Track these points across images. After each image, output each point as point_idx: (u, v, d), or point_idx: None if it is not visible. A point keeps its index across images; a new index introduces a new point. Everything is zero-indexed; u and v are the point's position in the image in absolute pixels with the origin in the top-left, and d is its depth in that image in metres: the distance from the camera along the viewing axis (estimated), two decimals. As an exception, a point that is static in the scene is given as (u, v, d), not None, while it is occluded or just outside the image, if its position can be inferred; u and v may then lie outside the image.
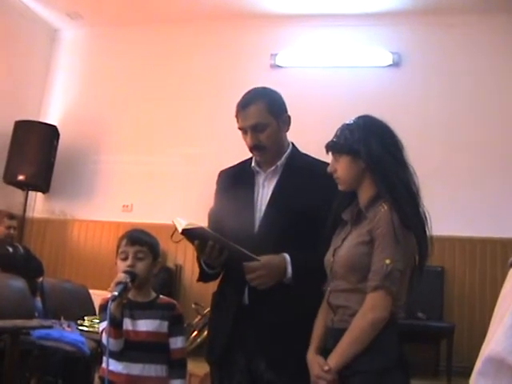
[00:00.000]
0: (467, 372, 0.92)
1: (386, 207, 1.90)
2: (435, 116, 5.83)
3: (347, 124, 2.07)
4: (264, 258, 2.05)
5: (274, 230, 2.14)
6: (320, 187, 2.17)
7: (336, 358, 1.85)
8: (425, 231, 1.94)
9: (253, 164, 2.31)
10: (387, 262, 1.84)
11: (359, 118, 2.07)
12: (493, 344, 0.87)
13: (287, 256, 2.07)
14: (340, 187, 2.06)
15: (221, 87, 6.60)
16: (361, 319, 1.84)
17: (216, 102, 6.55)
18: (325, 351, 1.95)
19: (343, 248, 1.97)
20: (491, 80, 5.98)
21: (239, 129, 2.26)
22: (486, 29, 6.05)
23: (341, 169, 2.03)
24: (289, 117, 2.31)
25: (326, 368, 1.85)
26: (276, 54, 6.58)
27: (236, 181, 2.33)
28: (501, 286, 0.98)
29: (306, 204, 2.14)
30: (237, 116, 2.27)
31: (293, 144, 2.35)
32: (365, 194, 2.00)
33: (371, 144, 1.98)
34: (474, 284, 5.59)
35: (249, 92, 2.29)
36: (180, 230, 2.01)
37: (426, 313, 5.03)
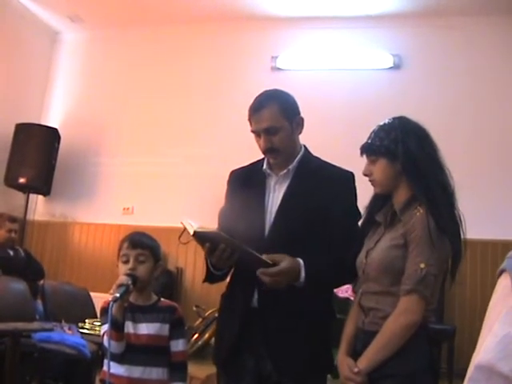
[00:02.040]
0: (469, 374, 0.92)
1: (421, 211, 1.89)
2: (436, 117, 5.83)
3: (381, 125, 2.04)
4: (282, 264, 2.01)
5: (284, 234, 2.14)
6: (331, 191, 2.17)
7: (366, 361, 1.84)
8: (459, 235, 1.94)
9: (264, 166, 2.29)
10: (422, 266, 1.83)
11: (394, 118, 2.05)
12: (483, 352, 0.87)
13: (301, 261, 2.05)
14: (376, 190, 2.05)
15: (222, 89, 6.61)
16: (393, 323, 1.83)
17: (217, 104, 6.56)
18: (354, 353, 1.95)
19: (376, 250, 1.96)
20: (492, 81, 5.98)
21: (252, 132, 2.24)
22: (486, 30, 6.06)
23: (377, 172, 2.01)
24: (302, 119, 2.28)
25: (356, 370, 1.84)
26: (277, 57, 6.58)
27: (247, 183, 2.31)
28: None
29: (317, 208, 2.13)
30: (249, 119, 2.24)
31: (305, 147, 2.33)
32: (400, 196, 1.99)
33: (408, 144, 1.96)
34: (476, 286, 5.58)
35: (261, 95, 2.26)
36: (191, 232, 1.99)
37: (431, 315, 5.01)
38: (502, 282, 0.94)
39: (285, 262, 2.01)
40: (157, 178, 6.61)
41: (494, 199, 5.67)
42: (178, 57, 6.95)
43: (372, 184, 2.05)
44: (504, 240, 5.46)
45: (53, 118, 7.12)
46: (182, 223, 2.06)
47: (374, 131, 2.04)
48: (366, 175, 2.04)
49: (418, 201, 1.93)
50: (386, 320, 1.85)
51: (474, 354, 0.91)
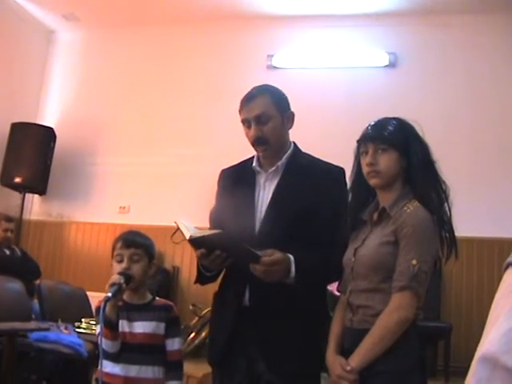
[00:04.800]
0: (465, 372, 0.92)
1: (411, 207, 1.89)
2: (432, 116, 5.83)
3: (386, 118, 2.02)
4: (275, 254, 2.01)
5: (275, 231, 2.13)
6: (321, 187, 2.16)
7: (359, 358, 1.82)
8: (450, 232, 1.94)
9: (254, 164, 2.29)
10: (414, 262, 1.82)
11: (395, 118, 2.04)
12: (487, 345, 0.87)
13: (291, 257, 2.05)
14: (375, 181, 1.97)
15: (218, 88, 6.61)
16: (386, 319, 1.82)
17: (213, 103, 6.56)
18: (343, 351, 1.94)
19: (365, 248, 1.95)
20: (488, 79, 5.98)
21: (242, 121, 2.23)
22: (482, 28, 6.06)
23: (385, 162, 1.95)
24: (292, 114, 2.29)
25: (349, 368, 1.83)
26: (272, 55, 6.58)
27: (237, 181, 2.31)
28: (498, 285, 0.98)
29: (307, 204, 2.13)
30: (240, 110, 2.24)
31: (294, 144, 2.33)
32: (392, 193, 1.97)
33: (417, 146, 1.97)
34: (472, 284, 5.59)
35: (253, 88, 2.27)
36: (187, 236, 1.98)
37: (424, 313, 5.02)
38: (509, 276, 0.94)
39: (277, 253, 2.01)
40: (153, 177, 6.60)
41: (490, 197, 5.68)
42: (173, 56, 6.95)
43: (373, 175, 1.97)
44: (500, 238, 5.47)
45: (49, 118, 7.10)
46: (175, 223, 2.05)
47: (378, 122, 2.02)
48: (371, 164, 1.96)
49: (407, 198, 1.93)
50: (376, 317, 1.85)
51: (478, 347, 0.91)
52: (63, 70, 7.36)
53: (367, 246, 1.95)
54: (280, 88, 2.33)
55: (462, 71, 6.07)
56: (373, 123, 2.04)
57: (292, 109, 2.30)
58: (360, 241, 1.99)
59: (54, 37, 7.44)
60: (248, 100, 2.22)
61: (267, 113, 2.18)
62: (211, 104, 6.58)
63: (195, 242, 2.01)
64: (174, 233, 2.05)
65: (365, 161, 1.98)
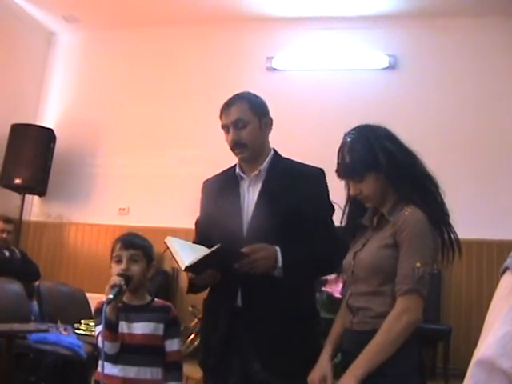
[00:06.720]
0: (464, 374, 0.92)
1: (409, 210, 1.88)
2: (431, 118, 5.84)
3: (349, 141, 2.00)
4: (256, 244, 2.08)
5: (263, 234, 2.16)
6: (304, 189, 2.21)
7: (368, 362, 1.79)
8: (449, 232, 1.94)
9: (237, 170, 2.34)
10: (418, 265, 1.82)
11: (355, 131, 2.03)
12: (484, 348, 0.87)
13: (277, 248, 2.10)
14: (369, 204, 2.01)
15: (217, 90, 6.58)
16: (395, 322, 1.80)
17: (212, 105, 6.50)
18: (342, 352, 1.95)
19: (364, 252, 1.96)
20: (487, 80, 5.99)
21: (222, 127, 2.33)
22: (481, 31, 6.07)
23: (368, 188, 1.96)
24: (271, 119, 2.36)
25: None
26: (272, 57, 6.58)
27: (221, 188, 2.36)
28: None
29: (292, 206, 2.17)
30: (220, 116, 2.35)
31: (274, 150, 2.38)
32: (388, 202, 1.97)
33: (387, 147, 1.95)
34: (471, 286, 5.59)
35: (232, 95, 2.38)
36: (182, 267, 2.01)
37: (423, 315, 5.02)
38: (506, 280, 0.94)
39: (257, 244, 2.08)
40: (153, 178, 6.60)
41: (490, 199, 5.68)
42: (173, 57, 6.95)
43: (363, 200, 2.01)
44: (499, 240, 5.47)
45: (48, 119, 7.10)
46: (165, 243, 2.11)
47: (344, 151, 2.00)
48: (357, 194, 1.99)
49: (404, 201, 1.92)
50: (376, 319, 1.85)
51: (475, 351, 0.91)
52: (63, 71, 7.36)
53: (366, 249, 1.96)
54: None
55: (462, 73, 6.07)
56: (338, 154, 2.03)
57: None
58: (360, 245, 2.00)
59: (54, 38, 7.44)
60: (226, 107, 2.34)
61: (244, 118, 2.27)
62: (211, 106, 6.52)
63: (190, 269, 2.04)
64: (165, 251, 2.11)
65: (350, 192, 2.03)
